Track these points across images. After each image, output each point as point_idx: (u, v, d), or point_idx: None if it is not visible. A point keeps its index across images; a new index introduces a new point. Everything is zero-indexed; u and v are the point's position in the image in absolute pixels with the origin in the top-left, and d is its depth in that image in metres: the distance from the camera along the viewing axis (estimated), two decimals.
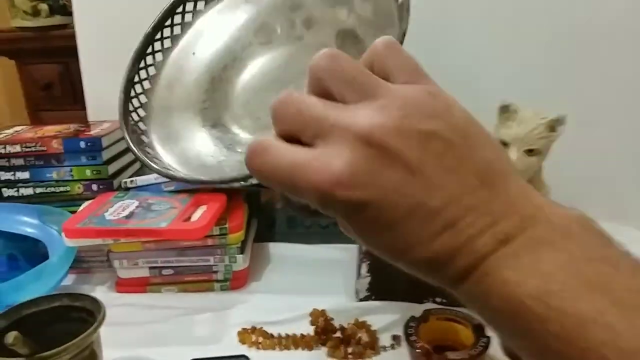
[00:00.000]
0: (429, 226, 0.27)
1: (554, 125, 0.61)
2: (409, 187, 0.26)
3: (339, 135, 0.27)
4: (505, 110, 0.62)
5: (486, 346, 0.57)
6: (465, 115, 0.29)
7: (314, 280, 0.76)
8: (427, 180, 0.26)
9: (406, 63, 0.30)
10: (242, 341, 0.64)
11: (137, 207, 0.71)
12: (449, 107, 0.28)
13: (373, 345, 0.63)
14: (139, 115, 0.63)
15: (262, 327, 0.66)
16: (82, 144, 0.77)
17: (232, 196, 0.78)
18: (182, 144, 0.61)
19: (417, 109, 0.27)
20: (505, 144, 0.61)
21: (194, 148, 0.60)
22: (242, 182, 0.50)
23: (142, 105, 0.64)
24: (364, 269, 0.70)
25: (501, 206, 0.27)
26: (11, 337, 0.45)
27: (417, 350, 0.57)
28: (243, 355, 0.61)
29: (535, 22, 0.80)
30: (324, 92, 0.29)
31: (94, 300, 0.53)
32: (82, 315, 0.53)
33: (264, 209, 0.87)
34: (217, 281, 0.75)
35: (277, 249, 0.85)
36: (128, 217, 0.68)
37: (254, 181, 0.48)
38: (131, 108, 0.63)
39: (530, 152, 0.61)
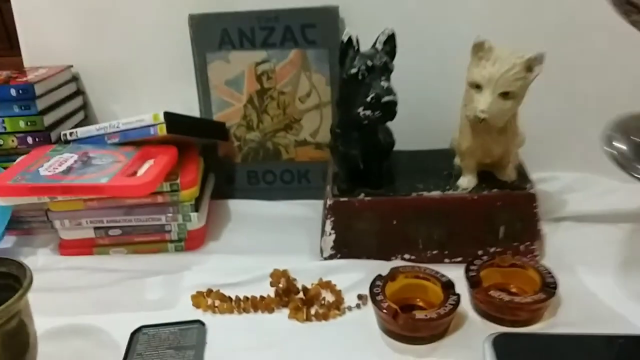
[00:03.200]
0: None
1: (531, 65, 0.55)
2: None
3: None
4: (480, 49, 0.56)
5: (456, 304, 0.54)
6: None
7: (276, 238, 0.72)
8: None
9: None
10: (197, 305, 0.59)
11: (76, 161, 0.64)
12: None
13: (338, 305, 0.59)
14: None
15: (219, 290, 0.61)
16: (13, 92, 0.68)
17: (185, 149, 0.72)
18: None
19: None
20: (478, 87, 0.56)
21: None
22: None
23: None
24: (329, 226, 0.66)
25: None
26: None
27: (384, 311, 0.53)
28: (197, 320, 0.57)
29: None
30: None
31: (20, 265, 0.47)
32: (9, 281, 0.47)
33: (222, 164, 0.81)
34: (171, 241, 0.70)
35: (237, 206, 0.80)
36: (65, 172, 0.61)
37: None
38: None
39: (505, 95, 0.56)
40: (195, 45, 0.76)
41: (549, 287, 0.56)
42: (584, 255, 0.65)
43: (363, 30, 0.62)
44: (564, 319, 0.56)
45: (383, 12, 0.74)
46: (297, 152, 0.80)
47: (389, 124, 0.66)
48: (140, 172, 0.63)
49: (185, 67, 0.77)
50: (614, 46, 0.73)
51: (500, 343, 0.50)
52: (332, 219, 0.65)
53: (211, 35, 0.75)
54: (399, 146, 0.70)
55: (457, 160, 0.68)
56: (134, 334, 0.55)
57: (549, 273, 0.57)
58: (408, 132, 0.69)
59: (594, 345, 0.51)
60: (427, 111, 0.75)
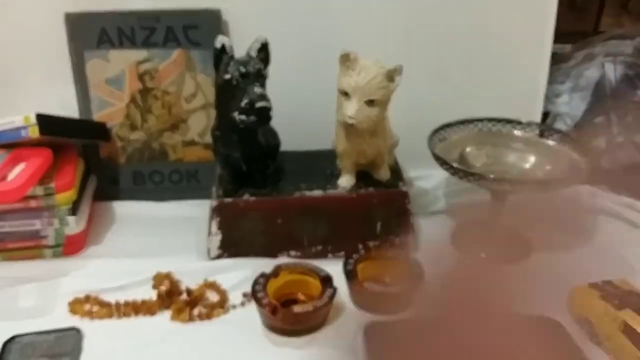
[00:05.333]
0: None
1: (392, 75, 0.60)
2: None
3: None
4: (346, 59, 0.60)
5: (332, 297, 0.57)
6: None
7: (163, 240, 0.71)
8: None
9: None
10: (74, 312, 0.58)
11: None
12: None
13: (222, 304, 0.60)
14: None
15: (97, 296, 0.60)
16: None
17: (63, 151, 0.69)
18: None
19: None
20: (346, 94, 0.60)
21: None
22: None
23: None
24: (214, 226, 0.66)
25: None
26: None
27: (264, 308, 0.55)
28: (73, 328, 0.55)
29: None
30: None
31: None
32: None
33: (105, 165, 0.78)
34: (48, 247, 0.67)
35: (122, 208, 0.78)
36: None
37: None
38: None
39: (371, 102, 0.60)
40: (71, 44, 0.73)
41: (416, 276, 0.60)
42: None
43: (247, 33, 0.63)
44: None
45: (266, 17, 0.75)
46: (185, 152, 0.79)
47: (277, 126, 0.69)
48: (11, 176, 0.60)
49: (62, 66, 0.74)
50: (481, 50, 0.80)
51: (371, 330, 0.54)
52: (218, 219, 0.66)
53: (89, 33, 0.72)
54: (287, 147, 0.72)
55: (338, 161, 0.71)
56: (6, 343, 0.53)
57: (418, 264, 0.62)
58: (296, 134, 0.72)
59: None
60: (312, 113, 0.78)
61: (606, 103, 0.83)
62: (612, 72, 0.83)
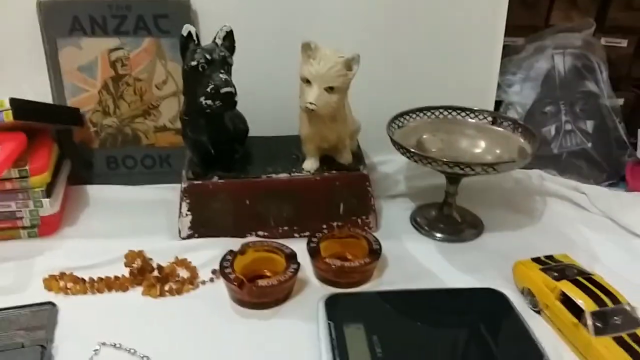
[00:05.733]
0: None
1: (350, 64, 0.64)
2: None
3: None
4: (307, 48, 0.63)
5: (295, 271, 0.61)
6: None
7: (136, 222, 0.74)
8: None
9: None
10: (49, 288, 0.61)
11: None
12: None
13: (192, 280, 0.64)
14: None
15: (72, 272, 0.62)
16: None
17: (37, 136, 0.71)
18: None
19: None
20: (308, 81, 0.63)
21: None
22: None
23: None
24: (185, 207, 0.70)
25: None
26: None
27: (232, 283, 0.59)
28: (49, 302, 0.58)
29: None
30: None
31: None
32: None
33: (79, 149, 0.81)
34: (23, 228, 0.69)
35: (96, 191, 0.80)
36: None
37: None
38: None
39: (330, 89, 0.63)
40: (45, 32, 0.75)
41: (374, 252, 0.65)
42: (410, 226, 0.76)
43: (215, 23, 0.66)
44: (388, 279, 0.65)
45: (234, 8, 0.78)
46: (157, 137, 0.82)
47: (245, 113, 0.72)
48: None
49: (36, 53, 0.76)
50: (437, 43, 0.84)
51: (331, 302, 0.59)
52: (188, 200, 0.69)
53: (61, 21, 0.74)
54: (255, 133, 0.76)
55: None
56: None
57: (376, 241, 0.66)
58: (264, 120, 0.76)
59: (407, 297, 0.61)
60: (279, 100, 0.81)
61: (555, 93, 0.89)
62: (562, 63, 0.88)
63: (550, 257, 0.64)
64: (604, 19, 0.92)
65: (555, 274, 0.60)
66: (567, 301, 0.56)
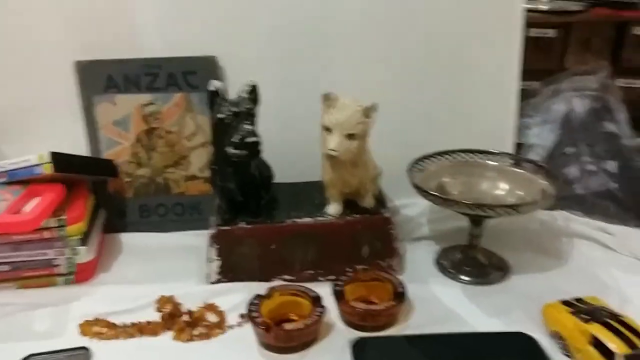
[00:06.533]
0: None
1: (368, 112, 0.67)
2: None
3: None
4: (327, 99, 0.67)
5: (321, 315, 0.62)
6: None
7: (167, 267, 0.76)
8: None
9: None
10: (84, 333, 0.63)
11: None
12: None
13: (221, 325, 0.65)
14: None
15: (106, 318, 0.64)
16: None
17: (74, 186, 0.75)
18: None
19: None
20: (328, 129, 0.66)
21: None
22: None
23: None
24: (213, 252, 0.72)
25: None
26: None
27: (259, 326, 0.60)
28: (83, 347, 0.60)
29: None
30: None
31: None
32: None
33: (113, 199, 0.84)
34: (60, 275, 0.72)
35: (129, 239, 0.83)
36: None
37: None
38: None
39: (351, 136, 0.66)
40: (81, 89, 0.80)
41: (400, 295, 0.65)
42: (435, 269, 0.77)
43: (241, 77, 0.69)
44: (415, 322, 0.66)
45: (257, 62, 0.82)
46: (187, 186, 0.85)
47: (270, 160, 0.75)
48: (27, 209, 0.66)
49: (73, 109, 0.81)
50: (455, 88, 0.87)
51: (358, 345, 0.59)
52: (216, 246, 0.72)
53: (97, 80, 0.80)
54: (280, 179, 0.78)
55: None
56: None
57: (401, 284, 0.67)
58: (288, 167, 0.79)
59: (435, 341, 0.61)
60: (302, 148, 0.83)
61: (575, 134, 0.90)
62: (579, 105, 0.90)
63: (579, 300, 0.63)
64: (618, 61, 0.94)
65: (586, 316, 0.59)
66: (598, 345, 0.55)
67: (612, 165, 0.89)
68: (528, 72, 0.86)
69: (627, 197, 0.88)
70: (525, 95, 0.91)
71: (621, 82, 0.95)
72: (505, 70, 0.85)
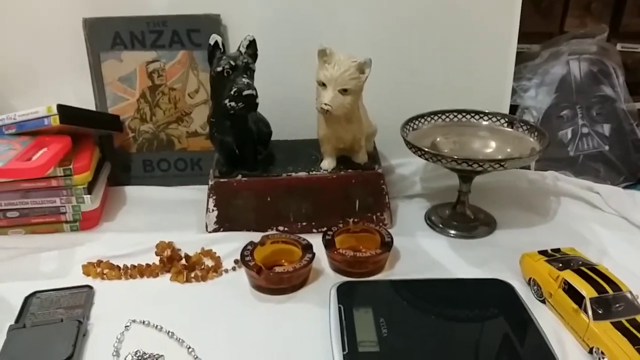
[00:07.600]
0: None
1: (362, 68, 0.68)
2: None
3: None
4: (323, 54, 0.68)
5: (310, 260, 0.65)
6: None
7: (168, 218, 0.80)
8: None
9: None
10: (87, 273, 0.67)
11: None
12: None
13: (216, 269, 0.68)
14: None
15: (108, 260, 0.68)
16: None
17: (81, 140, 0.79)
18: None
19: None
20: (323, 85, 0.68)
21: None
22: None
23: None
24: (211, 203, 0.75)
25: None
26: None
27: (251, 269, 0.63)
28: (86, 285, 0.64)
29: None
30: None
31: None
32: None
33: (119, 153, 0.88)
34: (66, 222, 0.76)
35: (133, 192, 0.87)
36: None
37: None
38: None
39: (344, 91, 0.68)
40: (89, 46, 0.83)
41: (386, 244, 0.68)
42: (424, 224, 0.79)
43: (243, 35, 0.71)
44: (399, 270, 0.69)
45: (259, 21, 0.84)
46: (189, 142, 0.89)
47: (269, 117, 0.78)
48: (35, 158, 0.70)
49: (80, 65, 0.84)
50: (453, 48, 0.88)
51: (342, 288, 0.62)
52: (214, 197, 0.75)
53: (104, 37, 0.83)
54: (279, 136, 0.81)
55: None
56: (28, 297, 0.62)
57: (389, 235, 0.70)
58: (286, 125, 0.81)
59: (415, 285, 0.64)
60: (301, 105, 0.86)
61: (571, 97, 0.90)
62: (577, 68, 0.90)
63: (557, 250, 0.66)
64: (618, 25, 0.94)
65: (560, 264, 0.62)
66: (569, 290, 0.58)
67: (606, 128, 0.90)
68: (527, 35, 0.87)
69: (618, 159, 0.89)
70: (524, 58, 0.92)
71: (621, 46, 0.95)
72: (504, 32, 0.86)
